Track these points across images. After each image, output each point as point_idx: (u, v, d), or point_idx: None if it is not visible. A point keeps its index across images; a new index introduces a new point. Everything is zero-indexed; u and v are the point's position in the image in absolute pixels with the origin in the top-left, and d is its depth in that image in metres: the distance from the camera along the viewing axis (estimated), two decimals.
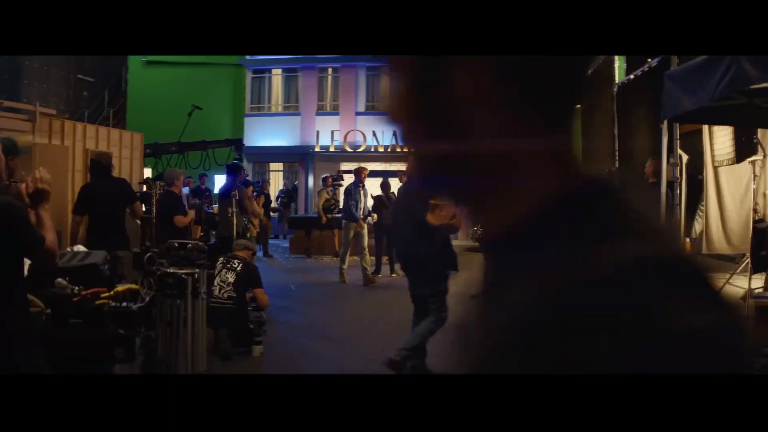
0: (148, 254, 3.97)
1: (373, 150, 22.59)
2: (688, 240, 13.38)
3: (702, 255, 13.38)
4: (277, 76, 24.73)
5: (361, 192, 11.31)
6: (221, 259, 7.08)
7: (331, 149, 23.04)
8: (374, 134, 22.67)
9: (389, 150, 22.82)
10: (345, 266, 11.36)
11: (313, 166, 23.64)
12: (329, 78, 24.37)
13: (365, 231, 11.36)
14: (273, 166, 24.33)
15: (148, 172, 17.74)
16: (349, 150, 22.70)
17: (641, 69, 8.81)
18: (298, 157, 24.12)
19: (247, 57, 23.81)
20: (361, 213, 11.25)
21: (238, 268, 6.81)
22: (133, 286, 3.95)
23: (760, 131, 9.10)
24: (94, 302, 3.82)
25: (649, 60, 8.51)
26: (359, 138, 22.91)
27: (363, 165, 12.25)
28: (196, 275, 4.02)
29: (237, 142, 15.63)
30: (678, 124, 8.69)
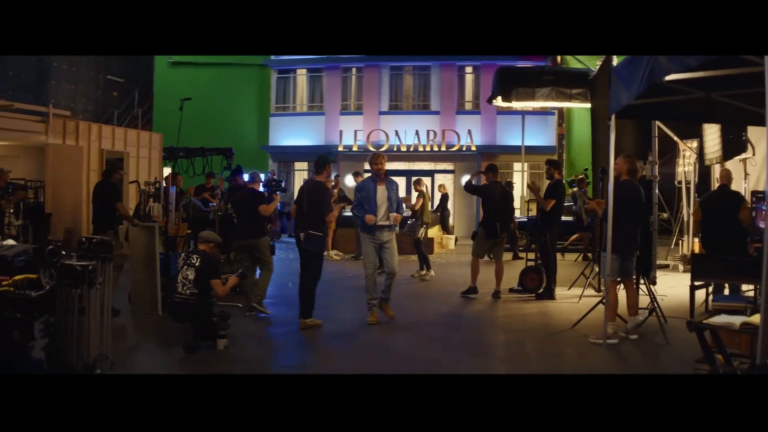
0: (49, 247, 4.12)
1: (395, 149, 22.67)
2: (698, 240, 13.01)
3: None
4: (301, 76, 24.98)
5: (382, 189, 8.12)
6: (182, 255, 7.21)
7: (354, 148, 23.16)
8: (396, 133, 22.73)
9: (411, 149, 22.84)
10: (375, 299, 8.17)
11: (337, 166, 23.78)
12: (353, 78, 24.51)
13: (393, 243, 8.11)
14: (297, 165, 24.55)
15: (167, 172, 18.08)
16: (372, 149, 22.72)
17: None
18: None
19: (272, 57, 24.12)
20: (382, 217, 8.04)
21: (197, 264, 6.92)
22: (31, 275, 4.13)
23: (749, 129, 8.85)
24: None
25: None
26: (382, 137, 22.99)
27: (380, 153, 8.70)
28: (91, 267, 4.13)
29: (227, 151, 16.29)
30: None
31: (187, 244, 9.65)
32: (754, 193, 6.41)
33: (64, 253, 4.21)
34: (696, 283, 4.94)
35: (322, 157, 8.33)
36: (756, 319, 4.70)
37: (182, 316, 6.94)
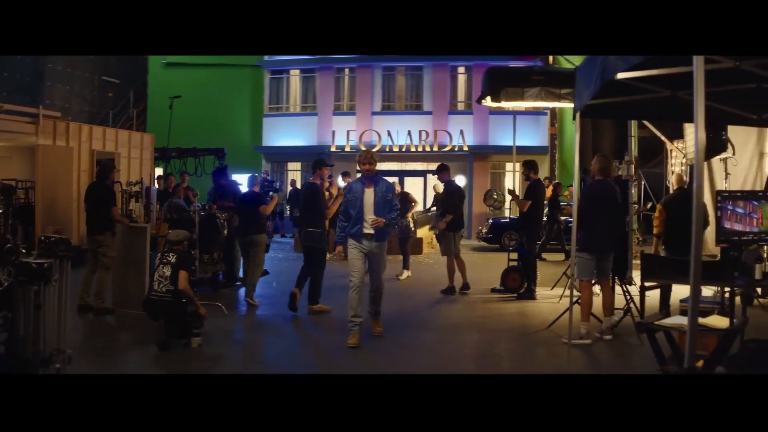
0: (8, 245, 4.20)
1: (387, 149, 22.70)
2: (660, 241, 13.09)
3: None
4: (294, 77, 25.02)
5: (369, 193, 7.14)
6: (159, 254, 7.28)
7: (347, 149, 23.20)
8: (389, 134, 22.79)
9: (404, 149, 22.90)
10: (359, 317, 7.13)
11: (331, 166, 23.78)
12: (346, 78, 24.56)
13: (381, 257, 7.26)
14: (290, 165, 24.62)
15: (159, 172, 18.14)
16: (364, 149, 22.78)
17: None
18: (314, 157, 24.33)
19: (266, 58, 24.19)
20: (368, 224, 7.07)
21: (173, 260, 6.99)
22: None
23: (730, 128, 8.88)
24: None
25: None
26: (374, 137, 23.03)
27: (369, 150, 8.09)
28: (47, 265, 4.22)
29: (219, 151, 16.51)
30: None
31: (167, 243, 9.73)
32: (718, 192, 6.42)
33: (23, 251, 4.29)
34: (646, 284, 4.96)
35: (318, 160, 9.31)
36: (710, 320, 4.75)
37: (157, 313, 7.00)
